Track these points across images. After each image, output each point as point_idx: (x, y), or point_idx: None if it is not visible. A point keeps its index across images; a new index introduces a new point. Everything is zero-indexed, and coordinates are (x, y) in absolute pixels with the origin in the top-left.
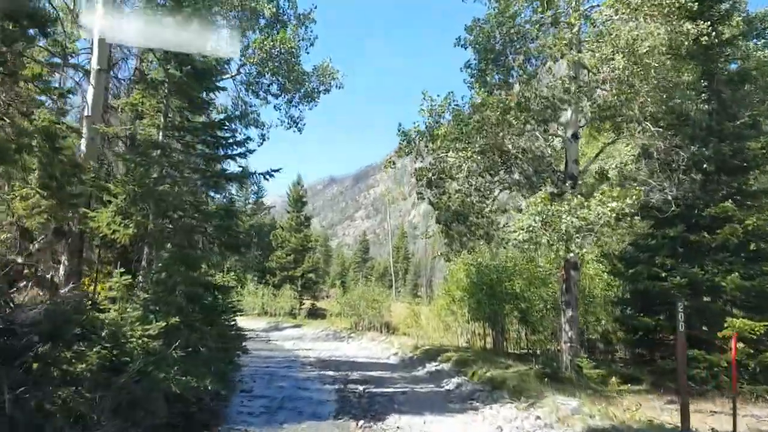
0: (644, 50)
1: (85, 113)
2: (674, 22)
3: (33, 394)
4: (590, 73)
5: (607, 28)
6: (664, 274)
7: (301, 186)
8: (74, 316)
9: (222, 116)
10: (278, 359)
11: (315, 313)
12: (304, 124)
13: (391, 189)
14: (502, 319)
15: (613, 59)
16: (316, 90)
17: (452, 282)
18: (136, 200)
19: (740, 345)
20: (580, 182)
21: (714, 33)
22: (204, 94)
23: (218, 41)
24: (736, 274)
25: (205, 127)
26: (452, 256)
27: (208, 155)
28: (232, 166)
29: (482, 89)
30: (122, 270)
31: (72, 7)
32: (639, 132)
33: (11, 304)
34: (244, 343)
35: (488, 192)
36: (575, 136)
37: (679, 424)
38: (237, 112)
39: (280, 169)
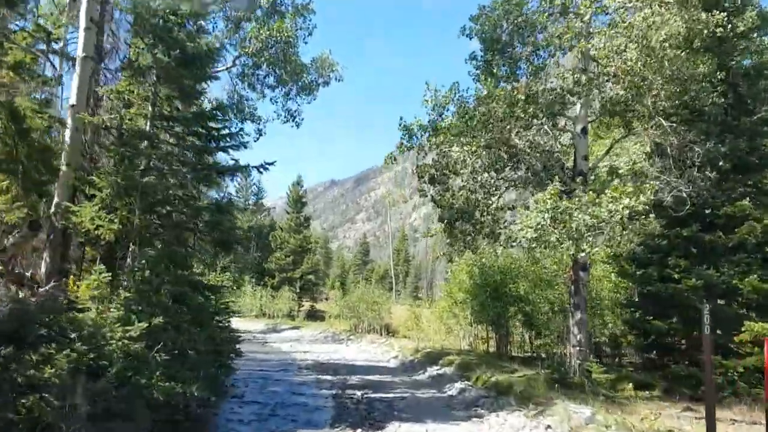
0: (661, 38)
1: (70, 103)
2: (691, 11)
3: None
4: (600, 66)
5: (620, 16)
6: (677, 276)
7: (301, 186)
8: (39, 315)
9: (214, 105)
10: (274, 362)
11: (314, 315)
12: (302, 119)
13: (392, 191)
14: (506, 321)
15: (625, 50)
16: (314, 82)
17: (454, 283)
18: (120, 194)
19: (756, 349)
20: (592, 177)
21: (729, 25)
22: (195, 82)
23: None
24: (755, 276)
25: (196, 118)
26: (455, 257)
27: (198, 147)
28: (228, 163)
29: (489, 80)
30: (102, 267)
31: None
32: (652, 127)
33: None
34: (238, 346)
35: (494, 189)
36: (584, 131)
37: None
38: (233, 105)
39: (275, 161)
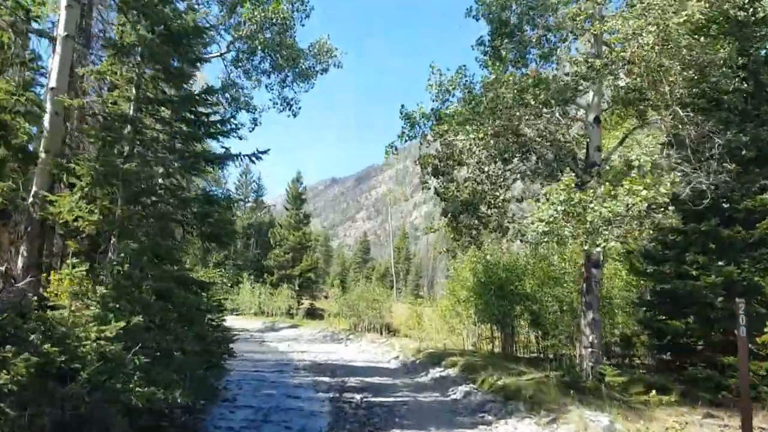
0: (681, 20)
1: (50, 85)
2: None
3: None
4: (615, 52)
5: None
6: (694, 273)
7: (301, 183)
8: None
9: (203, 89)
10: (270, 363)
11: (313, 313)
12: (300, 108)
13: (393, 190)
14: (512, 321)
15: (641, 34)
16: (312, 69)
17: (457, 281)
18: (100, 182)
19: None
20: (607, 168)
21: (751, 9)
22: (183, 63)
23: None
24: None
25: (184, 101)
26: (459, 253)
27: (186, 133)
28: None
29: (497, 65)
30: (76, 261)
31: None
32: (669, 116)
33: None
34: (231, 346)
35: (502, 180)
36: (597, 121)
37: None
38: (227, 95)
39: (269, 150)
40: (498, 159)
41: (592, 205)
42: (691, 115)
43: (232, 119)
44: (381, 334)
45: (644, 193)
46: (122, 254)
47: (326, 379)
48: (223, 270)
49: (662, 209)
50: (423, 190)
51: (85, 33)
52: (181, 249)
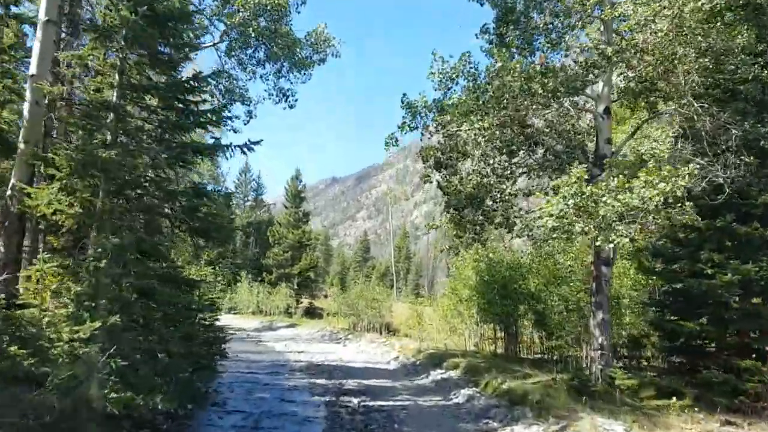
0: (696, 5)
1: (30, 72)
2: None
3: None
4: (625, 41)
5: None
6: (710, 271)
7: (300, 181)
8: None
9: (191, 75)
10: (265, 364)
11: (312, 313)
12: (296, 100)
13: (394, 189)
14: (516, 321)
15: (654, 20)
16: (308, 58)
17: (459, 280)
18: (79, 172)
19: None
20: (618, 160)
21: None
22: (170, 49)
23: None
24: None
25: (170, 88)
26: (462, 250)
27: (173, 122)
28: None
29: (503, 51)
30: (46, 256)
31: None
32: (684, 106)
33: None
34: (224, 346)
35: (508, 172)
36: (607, 112)
37: None
38: (221, 86)
39: (261, 140)
40: (504, 151)
41: (604, 199)
42: (706, 106)
43: (224, 109)
44: (380, 333)
45: (661, 185)
46: (100, 249)
47: (323, 381)
48: (217, 268)
49: (679, 204)
50: (425, 184)
51: (73, 21)
52: (169, 245)
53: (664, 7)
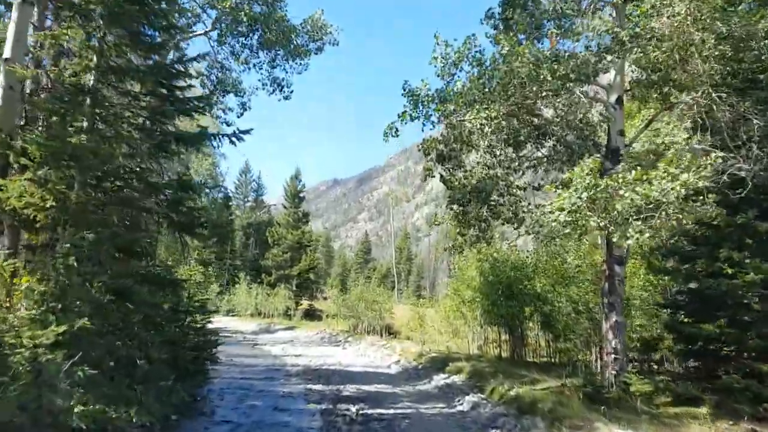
0: None
1: (3, 56)
2: None
3: None
4: (641, 22)
5: None
6: (729, 271)
7: (300, 180)
8: None
9: (175, 58)
10: (260, 368)
11: (312, 315)
12: (292, 91)
13: (395, 190)
14: (521, 323)
15: (670, 4)
16: (304, 47)
17: (462, 280)
18: (48, 161)
19: None
20: (632, 153)
21: None
22: (153, 29)
23: None
24: None
25: (153, 72)
26: (466, 248)
27: (156, 109)
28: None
29: (510, 35)
30: (9, 251)
31: None
32: (702, 96)
33: None
34: (216, 350)
35: (517, 164)
36: (620, 102)
37: None
38: (213, 76)
39: (251, 129)
40: (511, 141)
41: (622, 192)
42: (724, 95)
43: (213, 96)
44: (381, 336)
45: (684, 176)
46: (69, 245)
47: (319, 387)
48: (210, 268)
49: (701, 197)
50: (427, 179)
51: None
52: (151, 241)
53: None
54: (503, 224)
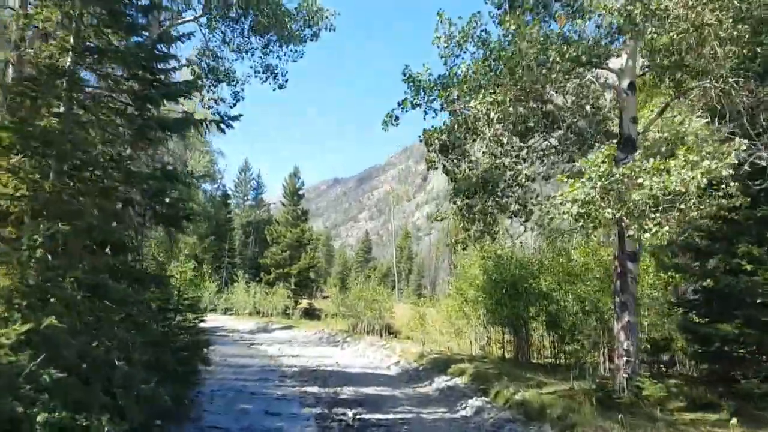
0: None
1: None
2: None
3: None
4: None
5: None
6: (749, 267)
7: (298, 178)
8: None
9: (158, 35)
10: (254, 369)
11: (311, 314)
12: (286, 80)
13: (396, 188)
14: (526, 323)
15: None
16: (299, 32)
17: (464, 279)
18: (19, 148)
19: None
20: (655, 137)
21: None
22: (136, 12)
23: None
24: None
25: (133, 54)
26: (470, 243)
27: (137, 92)
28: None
29: (516, 13)
30: None
31: None
32: (719, 80)
33: None
34: (207, 351)
35: (524, 152)
36: (632, 87)
37: None
38: (203, 63)
39: (241, 116)
40: (519, 128)
41: (640, 180)
42: (743, 81)
43: (199, 80)
44: (381, 336)
45: (705, 164)
46: (36, 237)
47: (315, 389)
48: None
49: (722, 187)
50: (428, 178)
51: None
52: (133, 235)
53: None
54: (510, 218)
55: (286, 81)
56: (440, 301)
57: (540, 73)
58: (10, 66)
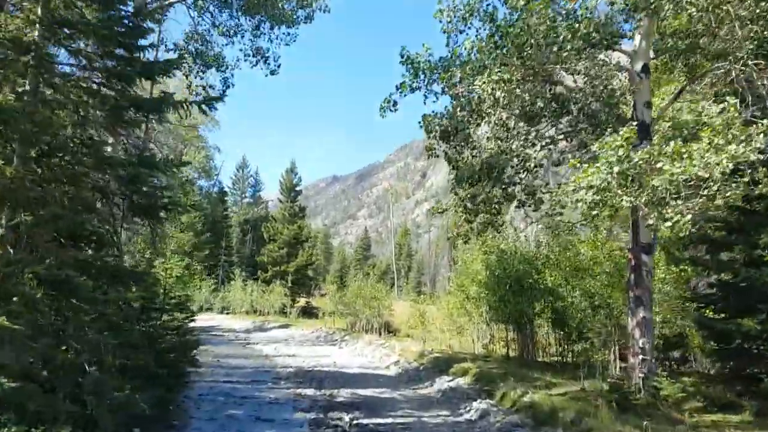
0: None
1: None
2: None
3: None
4: None
5: None
6: None
7: (295, 174)
8: None
9: (134, 9)
10: (247, 370)
11: (309, 312)
12: (279, 65)
13: (395, 185)
14: (531, 320)
15: None
16: (292, 13)
17: (466, 275)
18: None
19: None
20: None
21: None
22: None
23: None
24: None
25: (108, 28)
26: (473, 236)
27: (111, 70)
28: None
29: None
30: None
31: None
32: (739, 62)
33: None
34: (196, 352)
35: (532, 136)
36: (646, 70)
37: None
38: (191, 47)
39: (224, 95)
40: (528, 110)
41: (660, 164)
42: (762, 63)
43: (182, 59)
44: (380, 334)
45: (731, 147)
46: None
47: (311, 391)
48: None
49: (749, 171)
50: (429, 158)
51: None
52: (108, 227)
53: None
54: (518, 207)
55: (279, 66)
56: (441, 298)
57: (550, 51)
58: None
